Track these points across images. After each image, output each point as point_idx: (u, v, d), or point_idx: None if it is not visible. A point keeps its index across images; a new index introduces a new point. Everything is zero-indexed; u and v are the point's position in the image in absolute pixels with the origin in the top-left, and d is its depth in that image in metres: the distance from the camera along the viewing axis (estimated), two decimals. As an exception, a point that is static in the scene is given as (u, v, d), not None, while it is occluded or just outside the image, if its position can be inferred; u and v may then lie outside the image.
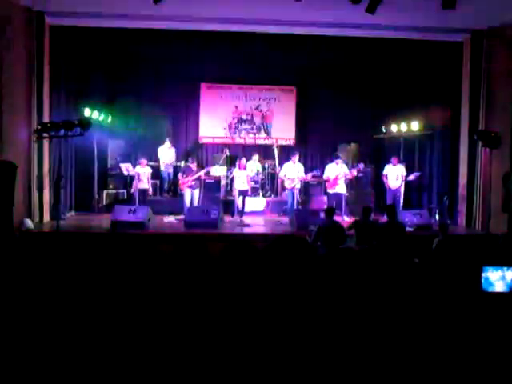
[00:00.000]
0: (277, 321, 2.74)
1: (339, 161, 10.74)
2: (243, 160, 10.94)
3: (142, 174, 10.67)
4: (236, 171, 10.72)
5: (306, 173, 10.92)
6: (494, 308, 3.20)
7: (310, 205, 11.19)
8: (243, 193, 10.51)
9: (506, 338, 2.75)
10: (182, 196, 10.58)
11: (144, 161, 10.82)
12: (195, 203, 10.48)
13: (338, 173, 10.58)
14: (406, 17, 9.37)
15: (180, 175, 10.57)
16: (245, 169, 10.72)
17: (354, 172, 10.73)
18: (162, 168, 12.02)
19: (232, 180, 11.26)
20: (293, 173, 10.67)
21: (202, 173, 10.56)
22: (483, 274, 3.58)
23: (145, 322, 2.84)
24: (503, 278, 3.61)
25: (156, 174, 12.01)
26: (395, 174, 10.75)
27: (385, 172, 10.89)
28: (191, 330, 2.68)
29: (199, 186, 10.74)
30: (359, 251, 7.03)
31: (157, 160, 12.40)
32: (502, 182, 9.40)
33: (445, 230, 7.24)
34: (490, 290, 3.60)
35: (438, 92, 11.37)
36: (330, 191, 10.73)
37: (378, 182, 11.68)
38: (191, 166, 10.56)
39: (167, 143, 12.09)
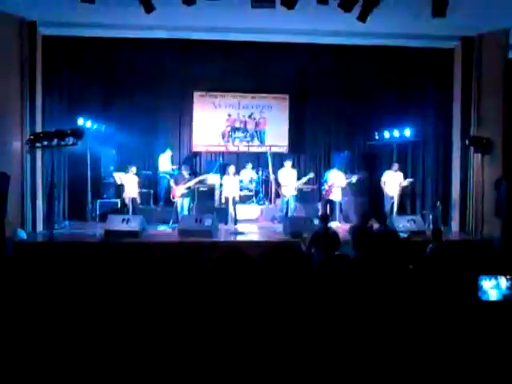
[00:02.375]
0: (271, 331, 2.73)
1: (336, 169, 10.92)
2: (232, 167, 10.92)
3: (130, 182, 10.59)
4: (225, 178, 10.70)
5: (299, 178, 11.05)
6: (489, 316, 3.21)
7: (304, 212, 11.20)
8: (233, 200, 10.47)
9: (501, 345, 2.75)
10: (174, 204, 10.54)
11: (133, 168, 10.74)
12: (185, 211, 10.45)
13: (333, 181, 10.71)
14: (396, 24, 9.46)
15: (172, 183, 10.55)
16: (234, 176, 10.67)
17: (344, 184, 10.86)
18: (162, 174, 11.98)
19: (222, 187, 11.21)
20: (287, 179, 10.77)
21: (192, 182, 10.50)
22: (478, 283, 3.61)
23: (140, 331, 2.83)
24: (497, 286, 3.63)
25: (152, 182, 12.00)
26: (394, 181, 10.79)
27: (383, 178, 10.92)
28: (185, 341, 2.67)
29: (190, 194, 10.68)
30: (354, 258, 7.04)
31: (150, 168, 12.37)
32: (494, 187, 9.46)
33: (438, 235, 7.26)
34: (484, 298, 3.61)
35: (430, 98, 11.47)
36: (326, 198, 10.87)
37: (372, 188, 11.72)
38: (183, 174, 10.53)
39: (168, 151, 12.10)
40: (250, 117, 13.22)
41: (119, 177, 11.10)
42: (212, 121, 13.06)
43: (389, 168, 11.02)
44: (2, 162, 8.80)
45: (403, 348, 2.69)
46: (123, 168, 11.83)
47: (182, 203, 10.41)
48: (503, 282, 3.58)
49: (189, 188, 10.46)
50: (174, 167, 11.99)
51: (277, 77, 12.51)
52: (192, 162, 13.01)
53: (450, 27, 9.45)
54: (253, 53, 11.45)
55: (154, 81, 12.14)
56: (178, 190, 10.33)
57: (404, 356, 2.62)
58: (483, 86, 10.20)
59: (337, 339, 2.71)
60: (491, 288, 3.58)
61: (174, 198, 10.49)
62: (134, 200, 10.61)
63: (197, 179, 10.75)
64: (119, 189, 11.35)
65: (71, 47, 10.57)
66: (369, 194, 11.90)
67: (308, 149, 13.29)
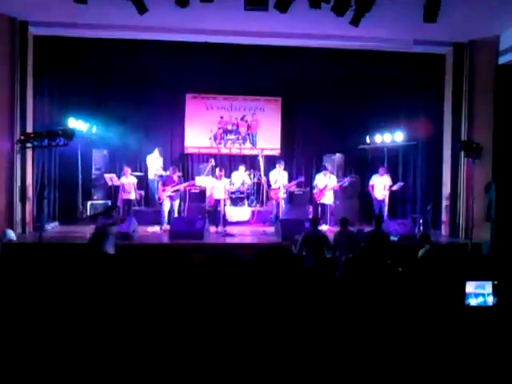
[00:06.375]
0: (262, 332, 2.73)
1: (327, 172, 10.94)
2: (221, 170, 10.91)
3: (126, 184, 10.57)
4: (214, 181, 10.68)
5: (289, 181, 11.09)
6: (474, 320, 3.24)
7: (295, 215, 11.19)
8: (223, 202, 10.45)
9: (487, 349, 2.78)
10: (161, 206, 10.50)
11: (128, 170, 10.71)
12: (175, 214, 10.45)
13: (325, 184, 10.73)
14: (389, 29, 9.53)
15: (160, 184, 10.52)
16: (221, 178, 10.64)
17: (337, 186, 10.89)
18: (151, 177, 11.93)
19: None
20: (278, 181, 10.81)
21: (181, 186, 10.47)
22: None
23: (130, 331, 2.82)
24: (483, 293, 3.66)
25: (142, 183, 11.95)
26: (382, 185, 10.83)
27: (371, 182, 10.97)
28: (175, 341, 2.66)
29: (179, 197, 10.66)
30: (344, 261, 7.07)
31: (142, 170, 12.32)
32: (484, 192, 9.53)
33: (427, 239, 7.29)
34: (470, 303, 3.64)
35: (421, 103, 11.54)
36: (317, 201, 10.90)
37: (364, 192, 11.77)
38: (172, 176, 10.50)
39: (156, 152, 12.04)
40: (242, 119, 13.23)
41: (110, 178, 11.05)
42: (204, 123, 13.05)
43: (377, 172, 11.06)
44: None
45: (391, 348, 2.70)
46: (114, 169, 11.79)
47: (172, 206, 10.39)
48: (489, 287, 3.61)
49: (176, 191, 10.41)
50: (160, 170, 11.84)
51: (269, 79, 12.52)
52: (183, 164, 13.00)
53: (442, 33, 9.54)
54: (245, 55, 11.45)
55: (146, 82, 12.11)
56: (165, 192, 10.29)
57: (392, 356, 2.64)
58: (474, 91, 10.30)
59: (327, 340, 2.72)
60: (476, 294, 3.61)
61: (159, 199, 10.47)
62: (129, 201, 10.56)
63: (185, 184, 10.70)
64: (110, 190, 11.31)
65: (63, 47, 10.52)
66: (359, 197, 11.93)
67: (300, 151, 13.32)
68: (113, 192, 11.17)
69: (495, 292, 3.61)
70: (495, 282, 3.60)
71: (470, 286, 3.63)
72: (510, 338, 2.94)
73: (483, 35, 9.98)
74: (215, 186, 10.49)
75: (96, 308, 3.37)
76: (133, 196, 10.60)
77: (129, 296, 3.40)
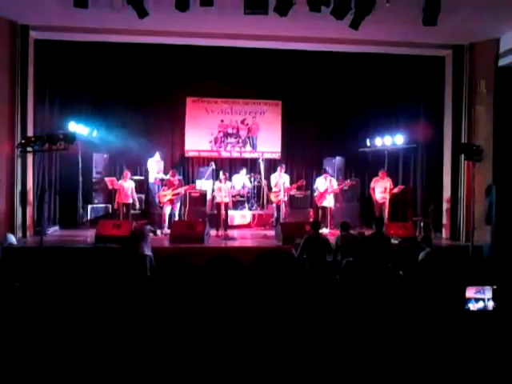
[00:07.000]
0: (263, 336, 2.72)
1: (327, 175, 10.94)
2: (224, 173, 10.92)
3: (124, 188, 10.56)
4: (217, 184, 10.69)
5: (291, 184, 11.12)
6: (474, 324, 3.23)
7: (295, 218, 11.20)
8: (225, 206, 10.46)
9: (486, 353, 2.77)
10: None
11: (127, 173, 10.71)
12: (176, 218, 10.46)
13: (325, 187, 10.73)
14: (388, 32, 9.54)
15: (162, 189, 10.54)
16: (225, 182, 10.66)
17: (337, 190, 10.90)
18: (151, 181, 11.94)
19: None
20: (279, 184, 10.80)
21: (181, 189, 10.50)
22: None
23: (128, 337, 2.81)
24: (483, 297, 3.66)
25: (143, 187, 11.95)
26: (382, 188, 10.83)
27: (372, 185, 10.97)
28: (176, 345, 2.65)
29: (179, 200, 10.69)
30: (345, 264, 7.06)
31: (142, 174, 12.31)
32: (484, 195, 9.52)
33: (428, 242, 7.28)
34: (470, 308, 3.63)
35: (421, 106, 11.55)
36: (318, 204, 10.91)
37: (364, 195, 11.76)
38: (172, 179, 10.52)
39: (156, 156, 12.04)
40: (242, 122, 13.22)
41: (111, 182, 11.05)
42: (204, 126, 13.05)
43: (378, 175, 11.06)
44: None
45: (391, 352, 2.70)
46: (115, 173, 11.78)
47: (171, 209, 10.41)
48: (489, 292, 3.60)
49: (177, 194, 10.44)
50: (160, 174, 11.83)
51: (269, 83, 12.56)
52: (184, 167, 13.00)
53: (442, 36, 9.55)
54: (246, 59, 11.49)
55: (147, 85, 12.12)
56: (165, 196, 10.32)
57: (392, 360, 2.63)
58: (474, 93, 10.31)
59: (327, 343, 2.71)
60: (477, 299, 3.60)
61: (160, 203, 10.49)
62: (128, 205, 10.55)
63: (186, 187, 10.73)
64: (111, 194, 11.31)
65: (63, 51, 10.56)
66: (360, 200, 11.93)
67: (300, 155, 13.31)
68: (113, 196, 11.16)
69: (495, 297, 3.60)
70: (495, 287, 3.59)
71: (471, 291, 3.62)
72: (510, 343, 2.93)
73: (483, 38, 10.01)
74: (218, 190, 10.50)
75: (97, 311, 3.36)
76: (130, 200, 10.58)
77: (130, 299, 3.39)
